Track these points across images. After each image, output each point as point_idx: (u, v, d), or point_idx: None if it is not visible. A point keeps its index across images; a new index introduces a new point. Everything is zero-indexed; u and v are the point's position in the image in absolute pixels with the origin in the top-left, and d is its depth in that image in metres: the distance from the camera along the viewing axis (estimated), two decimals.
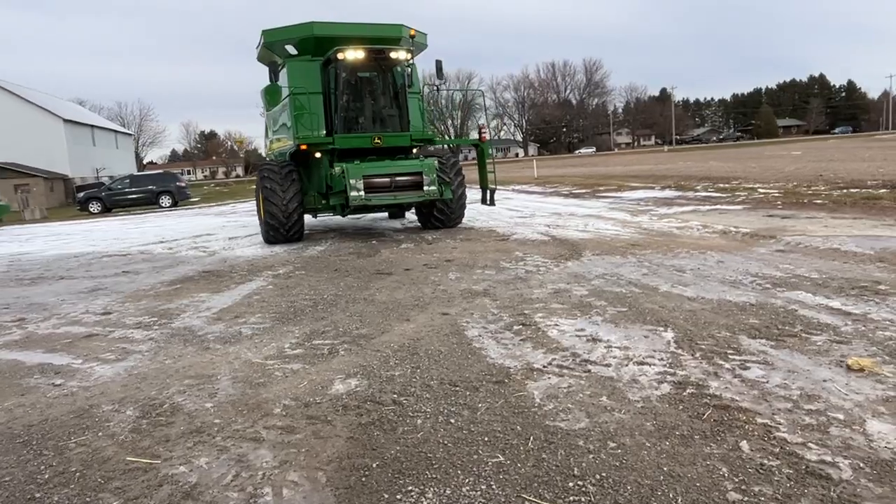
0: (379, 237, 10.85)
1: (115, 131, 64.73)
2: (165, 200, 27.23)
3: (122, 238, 13.99)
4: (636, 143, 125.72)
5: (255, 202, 13.31)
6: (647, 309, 4.76)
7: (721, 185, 16.31)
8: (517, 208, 14.80)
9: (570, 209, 13.67)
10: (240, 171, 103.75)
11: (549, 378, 3.43)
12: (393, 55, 9.99)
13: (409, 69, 11.06)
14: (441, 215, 10.85)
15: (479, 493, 2.28)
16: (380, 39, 10.51)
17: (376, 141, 10.18)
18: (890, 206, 9.70)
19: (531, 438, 2.70)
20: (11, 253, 12.18)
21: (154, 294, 6.60)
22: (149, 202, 27.28)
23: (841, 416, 2.74)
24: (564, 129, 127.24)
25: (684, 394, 3.10)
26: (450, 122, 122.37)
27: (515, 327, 4.49)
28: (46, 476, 2.58)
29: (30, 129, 45.41)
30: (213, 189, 51.33)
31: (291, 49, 10.75)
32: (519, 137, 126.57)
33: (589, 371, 3.50)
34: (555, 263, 7.01)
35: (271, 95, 11.49)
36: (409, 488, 2.34)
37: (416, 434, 2.80)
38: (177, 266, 8.64)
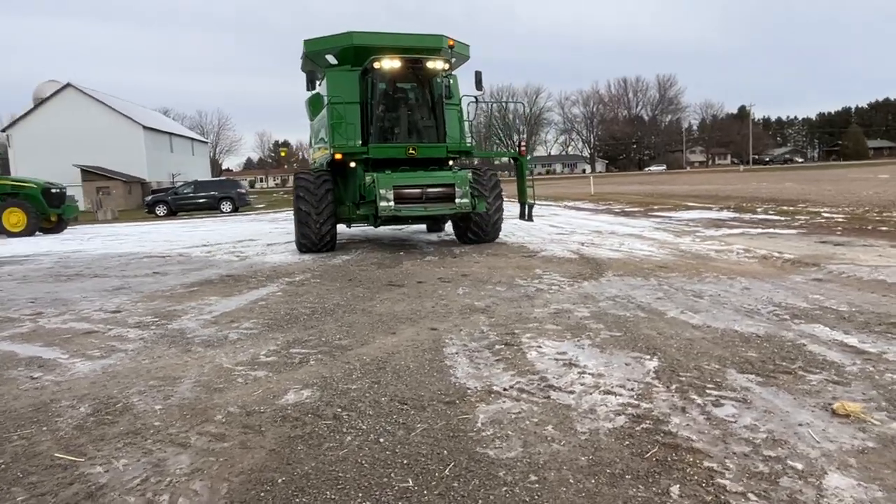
0: (408, 249, 10.88)
1: (192, 139, 68.43)
2: (226, 206, 28.43)
3: (172, 241, 14.68)
4: (710, 162, 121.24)
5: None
6: (642, 335, 4.51)
7: (784, 208, 15.46)
8: (559, 225, 14.52)
9: (613, 227, 13.27)
10: None
11: (503, 402, 3.28)
12: (430, 65, 9.96)
13: (449, 80, 10.99)
14: (476, 229, 10.68)
15: None
16: (419, 50, 10.49)
17: (410, 151, 10.14)
18: None
19: (451, 465, 2.58)
20: (67, 251, 13.03)
21: (169, 295, 6.85)
22: (211, 207, 28.56)
23: (800, 466, 2.47)
24: (635, 146, 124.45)
25: (637, 428, 2.89)
26: (516, 136, 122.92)
27: (497, 346, 4.35)
28: None
29: (113, 135, 48.71)
30: (280, 197, 53.20)
31: (331, 59, 10.95)
32: (586, 153, 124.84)
33: (548, 397, 3.34)
34: (570, 283, 6.79)
35: (314, 105, 11.72)
36: None
37: (338, 451, 2.73)
38: (204, 269, 8.95)
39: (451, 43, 10.92)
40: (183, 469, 2.59)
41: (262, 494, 2.37)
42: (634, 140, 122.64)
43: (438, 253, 10.07)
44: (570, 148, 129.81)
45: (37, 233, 18.86)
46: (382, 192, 9.16)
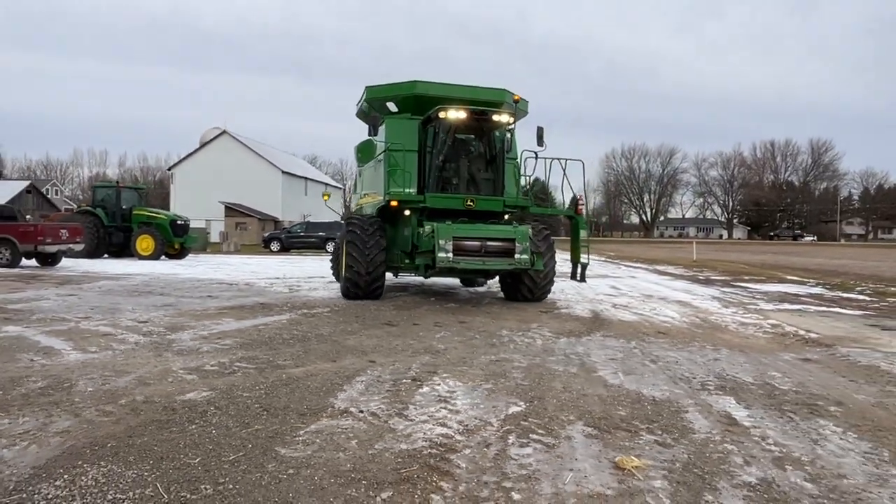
0: (440, 297, 11.49)
1: (326, 184, 74.58)
2: (330, 245, 30.79)
3: (259, 272, 16.52)
4: (872, 236, 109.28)
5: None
6: (546, 387, 4.81)
7: (882, 289, 14.13)
8: (618, 286, 14.39)
9: (670, 293, 12.98)
10: None
11: (345, 420, 3.81)
12: (496, 118, 10.02)
13: (509, 134, 10.92)
14: (528, 288, 10.52)
15: None
16: (481, 102, 10.59)
17: (468, 203, 10.07)
18: None
19: (241, 453, 3.18)
20: (164, 273, 15.25)
21: (198, 314, 8.07)
22: (318, 246, 31.14)
23: (519, 498, 2.79)
24: (780, 214, 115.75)
25: (424, 452, 3.31)
26: (646, 197, 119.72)
27: (403, 381, 4.86)
28: None
29: (255, 177, 54.72)
30: None
31: (392, 106, 11.14)
32: (724, 218, 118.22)
33: (387, 422, 3.81)
34: (550, 339, 7.07)
35: (364, 152, 12.08)
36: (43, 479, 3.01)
37: (171, 434, 3.44)
38: (250, 297, 10.26)
39: (517, 98, 11.20)
40: (56, 429, 3.44)
41: (86, 448, 3.14)
42: (781, 207, 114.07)
43: (465, 302, 10.61)
44: (707, 212, 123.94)
45: (162, 257, 21.86)
46: (441, 242, 9.03)
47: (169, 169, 63.11)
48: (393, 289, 12.39)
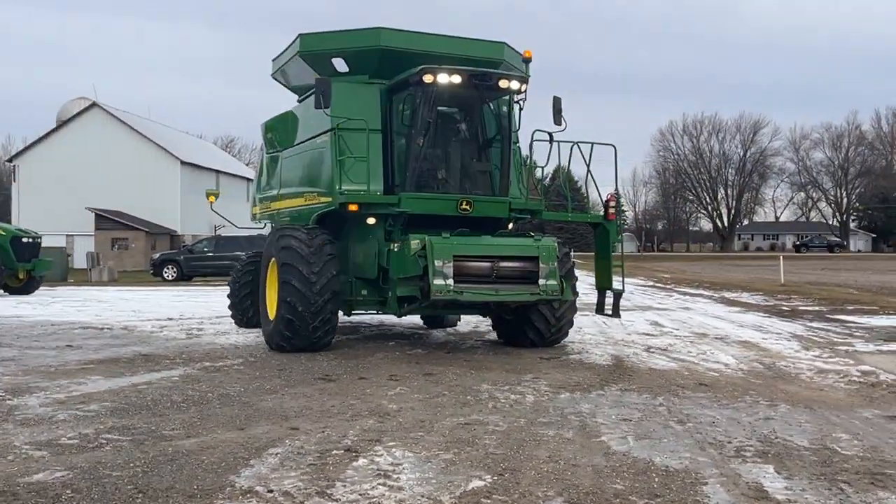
0: (404, 340, 12.04)
1: (248, 178, 75.06)
2: None
3: (144, 311, 17.16)
4: None
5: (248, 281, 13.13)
6: (525, 455, 5.35)
7: None
8: (659, 323, 15.16)
9: (733, 331, 13.71)
10: None
11: (249, 502, 4.32)
12: (503, 84, 10.12)
13: (518, 108, 10.99)
14: (541, 325, 10.57)
15: None
16: (472, 61, 10.70)
17: (464, 206, 10.11)
18: None
19: None
20: (4, 315, 15.73)
21: (52, 371, 8.71)
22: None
23: None
24: None
25: None
26: (721, 192, 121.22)
27: (335, 451, 5.38)
28: None
29: (142, 171, 55.11)
30: None
31: (341, 64, 11.11)
32: (836, 222, 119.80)
33: (303, 502, 4.33)
34: (546, 395, 7.67)
35: (278, 130, 12.32)
36: None
37: None
38: (128, 346, 10.92)
39: (528, 54, 11.34)
40: None
41: None
42: None
43: (436, 347, 11.28)
44: (811, 213, 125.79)
45: (0, 291, 22.28)
46: (438, 264, 8.98)
47: (9, 160, 63.57)
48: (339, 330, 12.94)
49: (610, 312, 11.53)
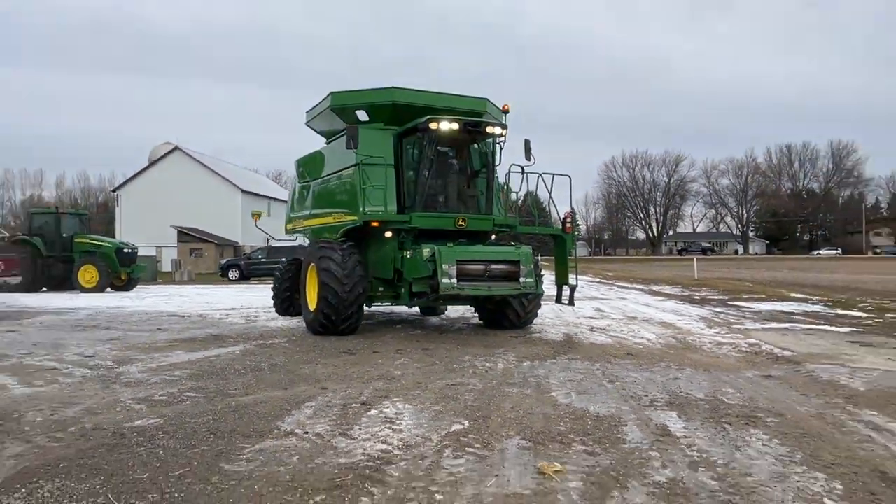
0: (407, 324, 12.18)
1: None
2: None
3: (213, 303, 17.22)
4: None
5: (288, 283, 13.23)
6: (495, 407, 5.50)
7: (884, 304, 15.06)
8: (601, 309, 15.19)
9: (657, 315, 13.79)
10: None
11: (289, 440, 4.48)
12: (489, 129, 10.32)
13: (499, 147, 11.01)
14: (516, 314, 10.82)
15: None
16: (462, 112, 10.85)
17: (460, 223, 10.23)
18: None
19: (186, 468, 3.85)
20: (110, 306, 15.90)
21: (148, 347, 8.75)
22: None
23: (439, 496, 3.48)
24: (801, 225, 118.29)
25: (351, 462, 3.99)
26: (651, 209, 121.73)
27: (354, 405, 5.53)
28: None
29: (212, 198, 55.31)
30: None
31: (363, 115, 11.13)
32: (739, 231, 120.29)
33: (329, 441, 4.48)
34: (513, 363, 7.77)
35: (309, 166, 12.30)
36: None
37: (120, 456, 4.09)
38: (202, 329, 10.94)
39: (506, 107, 11.44)
40: (9, 454, 4.08)
41: (40, 468, 3.79)
42: (802, 217, 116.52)
43: (432, 329, 11.32)
44: (719, 225, 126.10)
45: (107, 290, 22.37)
46: (445, 266, 9.10)
47: (114, 190, 63.68)
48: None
49: (566, 302, 11.57)
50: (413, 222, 10.01)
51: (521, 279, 9.66)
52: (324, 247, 10.26)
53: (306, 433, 4.65)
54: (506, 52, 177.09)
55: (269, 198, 65.76)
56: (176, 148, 58.27)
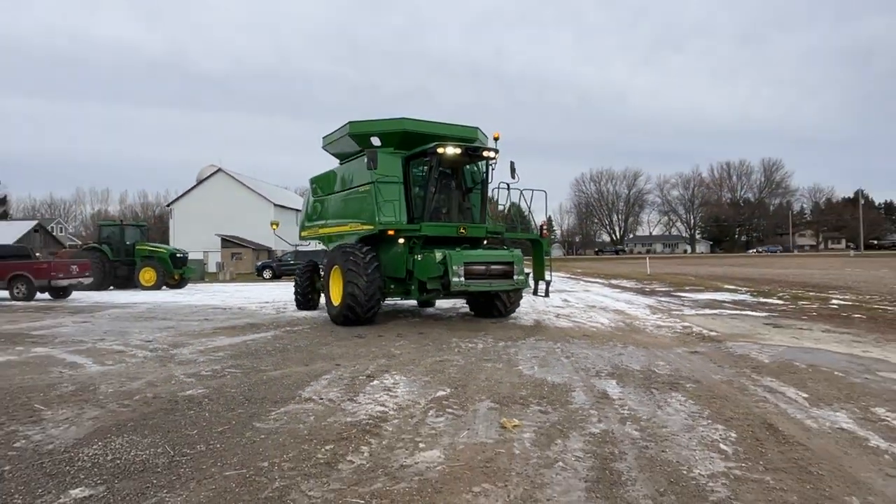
0: (408, 314, 12.40)
1: None
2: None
3: (251, 297, 17.38)
4: (823, 246, 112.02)
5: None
6: (473, 378, 5.74)
7: (799, 293, 15.28)
8: (570, 300, 15.37)
9: (611, 303, 13.99)
10: None
11: (308, 404, 4.72)
12: (485, 154, 10.42)
13: (491, 167, 11.05)
14: (505, 302, 11.01)
15: None
16: (458, 138, 10.86)
17: (461, 231, 10.33)
18: None
19: (225, 427, 4.10)
20: (166, 301, 16.07)
21: (197, 334, 8.95)
22: None
23: (416, 443, 3.74)
24: (739, 228, 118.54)
25: (353, 420, 4.24)
26: (614, 217, 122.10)
27: (360, 378, 5.75)
28: None
29: (249, 210, 55.45)
30: None
31: (376, 140, 11.01)
32: (687, 234, 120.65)
33: (340, 405, 4.73)
34: (491, 343, 7.98)
35: (323, 182, 12.20)
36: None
37: (174, 417, 4.34)
38: (241, 318, 11.13)
39: (497, 135, 11.44)
40: (87, 416, 4.33)
41: (113, 426, 4.05)
42: (739, 222, 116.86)
43: (427, 318, 11.52)
44: (671, 229, 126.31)
45: (163, 287, 22.55)
46: (455, 268, 9.22)
47: (168, 205, 63.67)
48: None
49: (542, 294, 11.62)
50: (423, 230, 10.01)
51: (515, 277, 9.79)
52: (347, 251, 10.12)
53: (321, 399, 4.90)
54: (493, 86, 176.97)
55: (296, 210, 65.76)
56: (219, 170, 58.27)
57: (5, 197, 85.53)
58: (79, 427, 4.09)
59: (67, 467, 3.36)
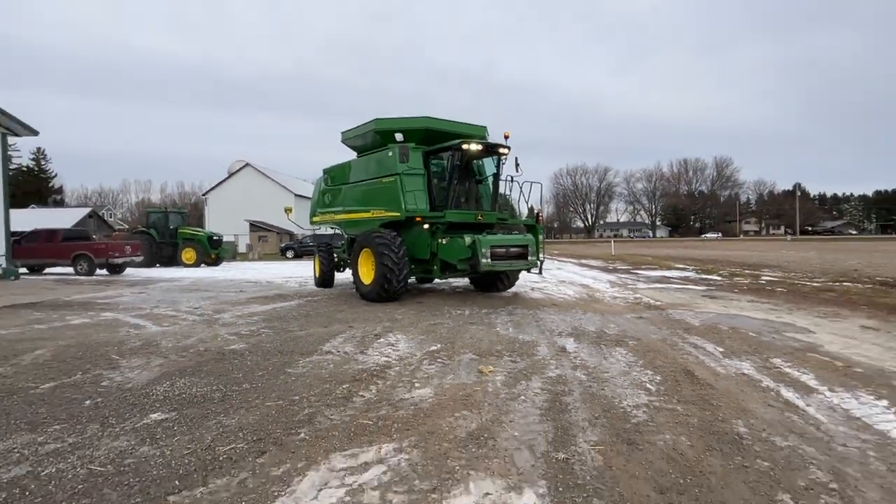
0: (411, 287, 12.78)
1: None
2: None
3: (276, 273, 17.71)
4: (765, 232, 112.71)
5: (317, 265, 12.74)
6: (459, 336, 6.11)
7: (736, 271, 15.71)
8: (543, 277, 15.72)
9: (578, 278, 14.36)
10: None
11: (328, 356, 5.13)
12: (500, 150, 10.25)
13: (504, 161, 10.71)
14: (506, 281, 11.07)
15: None
16: (470, 135, 10.64)
17: (479, 217, 10.16)
18: (821, 297, 9.40)
19: (261, 372, 4.51)
20: (205, 276, 16.41)
21: (234, 302, 9.32)
22: None
23: (409, 380, 4.15)
24: (694, 216, 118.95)
25: (360, 368, 4.65)
26: (588, 206, 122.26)
27: (368, 337, 6.13)
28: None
29: (273, 199, 55.46)
30: None
31: (399, 136, 10.63)
32: (649, 221, 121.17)
33: (353, 356, 5.13)
34: (476, 310, 8.36)
35: (337, 173, 11.86)
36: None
37: (223, 365, 4.75)
38: (270, 290, 11.49)
39: (507, 134, 11.03)
40: (155, 364, 4.73)
41: (176, 371, 4.45)
42: (694, 211, 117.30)
43: (426, 291, 11.91)
44: (637, 217, 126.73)
45: (202, 265, 22.86)
46: (483, 251, 9.10)
47: (203, 195, 63.50)
48: None
49: (536, 271, 10.84)
50: (447, 217, 9.78)
51: (530, 257, 9.76)
52: (377, 236, 9.72)
53: (338, 352, 5.30)
54: (486, 91, 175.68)
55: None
56: (247, 164, 58.11)
57: (61, 187, 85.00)
58: (149, 372, 4.50)
59: (145, 399, 3.77)
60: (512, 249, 9.56)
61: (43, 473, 2.65)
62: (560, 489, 2.51)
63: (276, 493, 2.45)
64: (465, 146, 9.75)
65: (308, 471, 2.67)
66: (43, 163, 74.05)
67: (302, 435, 3.13)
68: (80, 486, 2.51)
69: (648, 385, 4.16)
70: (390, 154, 10.01)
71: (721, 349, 5.40)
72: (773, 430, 3.24)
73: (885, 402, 3.73)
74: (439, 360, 4.98)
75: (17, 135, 14.91)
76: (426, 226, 9.81)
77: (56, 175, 77.34)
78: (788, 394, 3.93)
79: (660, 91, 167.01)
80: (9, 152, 14.75)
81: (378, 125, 10.80)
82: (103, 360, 4.93)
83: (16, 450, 2.93)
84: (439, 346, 5.61)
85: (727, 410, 3.59)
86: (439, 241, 9.66)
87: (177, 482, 2.55)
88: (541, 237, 11.34)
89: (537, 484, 2.55)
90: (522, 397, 3.85)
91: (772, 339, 5.92)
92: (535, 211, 11.78)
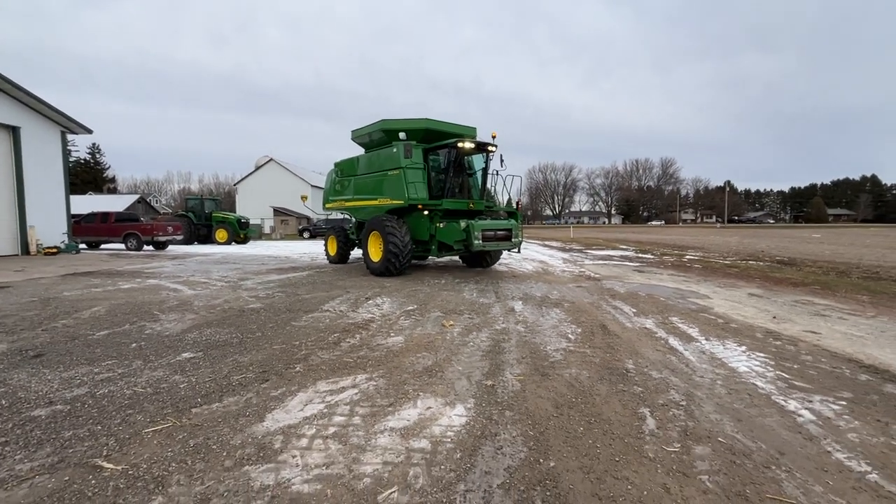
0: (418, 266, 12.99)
1: None
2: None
3: (295, 251, 17.78)
4: (700, 220, 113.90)
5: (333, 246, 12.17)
6: (432, 298, 6.39)
7: (667, 251, 16.07)
8: (509, 254, 16.01)
9: (539, 256, 14.59)
10: None
11: (324, 312, 5.40)
12: (490, 148, 10.05)
13: (491, 157, 10.50)
14: (488, 259, 11.02)
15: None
16: (463, 135, 10.38)
17: (471, 205, 10.01)
18: (727, 272, 9.77)
19: (271, 325, 4.77)
20: (234, 252, 16.51)
21: (256, 272, 9.52)
22: None
23: (382, 327, 4.44)
24: (642, 207, 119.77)
25: (350, 323, 4.93)
26: (556, 197, 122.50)
27: (362, 300, 6.41)
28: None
29: (292, 189, 55.00)
30: None
31: (403, 135, 10.29)
32: (606, 211, 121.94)
33: (346, 314, 5.41)
34: (450, 280, 8.63)
35: (347, 166, 11.69)
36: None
37: (242, 319, 5.00)
38: (286, 263, 11.66)
39: (494, 134, 10.77)
40: (188, 318, 4.97)
41: (204, 323, 4.70)
42: (643, 203, 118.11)
43: (414, 266, 12.14)
44: (596, 207, 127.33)
45: (232, 244, 22.88)
46: (476, 234, 8.91)
47: (234, 185, 62.73)
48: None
49: (515, 251, 10.71)
50: (444, 205, 9.61)
51: (514, 239, 9.68)
52: (384, 220, 9.59)
53: (335, 310, 5.56)
54: (474, 101, 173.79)
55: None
56: (271, 159, 57.34)
57: (114, 177, 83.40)
58: (183, 324, 4.74)
59: (178, 343, 4.03)
60: (499, 232, 9.46)
61: (98, 393, 2.92)
62: (483, 405, 2.82)
63: (272, 407, 2.75)
64: (459, 144, 9.62)
65: (299, 392, 2.96)
66: (98, 156, 72.64)
67: (297, 368, 3.42)
68: (125, 402, 2.78)
69: (570, 335, 4.48)
70: (395, 150, 9.82)
71: (634, 310, 5.72)
72: (653, 367, 3.57)
73: (743, 348, 4.08)
74: (413, 316, 5.26)
75: (74, 133, 14.76)
76: (426, 212, 9.64)
77: (110, 167, 75.96)
78: (674, 342, 4.27)
79: (618, 102, 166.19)
80: (68, 147, 14.62)
81: (384, 125, 10.59)
82: (147, 314, 5.16)
83: (77, 377, 3.19)
84: (415, 306, 5.88)
85: (624, 354, 3.92)
86: (437, 225, 9.57)
87: (199, 399, 2.83)
88: (520, 221, 11.18)
89: (467, 402, 2.87)
90: (472, 343, 4.16)
91: (676, 302, 6.24)
92: (515, 200, 12.01)
